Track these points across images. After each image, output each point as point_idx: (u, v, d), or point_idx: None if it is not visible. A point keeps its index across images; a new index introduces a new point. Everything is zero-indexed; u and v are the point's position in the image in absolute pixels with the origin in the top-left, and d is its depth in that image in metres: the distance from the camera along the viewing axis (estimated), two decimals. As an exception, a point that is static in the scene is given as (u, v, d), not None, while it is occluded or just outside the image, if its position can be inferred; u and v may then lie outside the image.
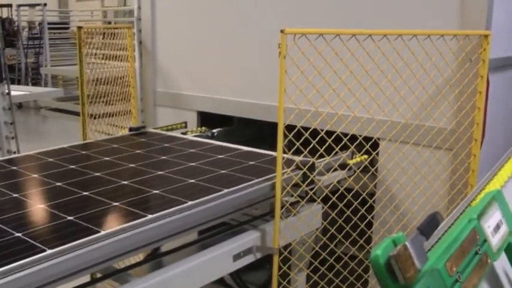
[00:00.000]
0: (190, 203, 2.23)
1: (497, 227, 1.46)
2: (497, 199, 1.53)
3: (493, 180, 1.84)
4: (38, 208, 2.20)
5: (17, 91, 5.02)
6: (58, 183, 2.51)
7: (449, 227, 1.39)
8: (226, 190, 2.38)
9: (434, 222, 1.23)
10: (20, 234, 1.92)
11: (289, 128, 2.46)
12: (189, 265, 2.18)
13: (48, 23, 12.94)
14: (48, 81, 12.45)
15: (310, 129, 2.48)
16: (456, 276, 1.18)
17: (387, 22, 3.03)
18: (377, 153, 3.04)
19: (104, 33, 4.34)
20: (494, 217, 1.47)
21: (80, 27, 3.88)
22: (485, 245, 1.36)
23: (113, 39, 4.19)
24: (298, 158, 2.64)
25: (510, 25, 3.34)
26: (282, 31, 2.23)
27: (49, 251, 1.78)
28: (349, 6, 3.19)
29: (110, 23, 10.13)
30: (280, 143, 2.33)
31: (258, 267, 3.17)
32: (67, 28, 14.12)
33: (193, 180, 2.53)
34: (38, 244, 1.84)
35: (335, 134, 2.53)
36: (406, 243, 1.06)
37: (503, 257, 1.52)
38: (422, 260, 1.09)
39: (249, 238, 2.42)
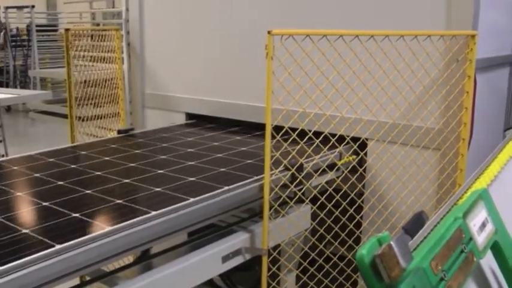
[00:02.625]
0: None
1: (483, 226, 1.47)
2: (483, 198, 1.54)
3: (479, 179, 1.86)
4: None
5: (5, 94, 5.00)
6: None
7: (435, 225, 1.39)
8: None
9: (419, 221, 1.24)
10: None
11: (277, 128, 2.47)
12: (177, 267, 2.18)
13: (37, 25, 12.89)
14: (36, 83, 12.40)
15: (298, 130, 2.48)
16: (441, 275, 1.19)
17: (374, 23, 3.04)
18: (365, 154, 3.05)
19: (92, 35, 4.33)
20: (480, 216, 1.48)
21: (67, 30, 3.87)
22: (471, 244, 1.37)
23: (102, 41, 4.19)
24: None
25: (497, 25, 3.36)
26: (269, 32, 2.24)
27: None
28: (336, 8, 3.19)
29: (98, 25, 10.10)
30: (268, 143, 2.33)
31: (247, 268, 3.18)
32: (55, 30, 14.06)
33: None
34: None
35: (323, 135, 2.54)
36: (391, 242, 1.07)
37: (490, 255, 1.53)
38: (407, 259, 1.10)
39: (237, 239, 2.42)
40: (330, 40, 2.38)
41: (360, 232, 2.91)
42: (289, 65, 2.35)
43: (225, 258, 2.37)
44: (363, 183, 2.92)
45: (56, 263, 1.79)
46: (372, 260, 1.06)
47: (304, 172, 2.61)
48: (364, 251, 1.06)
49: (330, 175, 2.82)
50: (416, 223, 1.23)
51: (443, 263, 1.22)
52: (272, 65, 2.26)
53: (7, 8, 13.16)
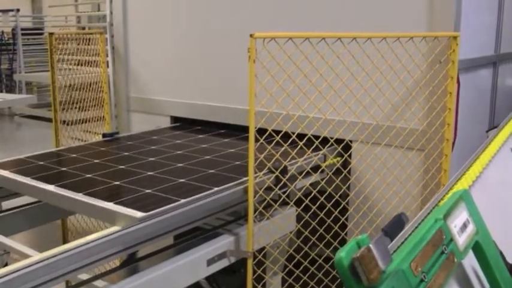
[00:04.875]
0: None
1: (464, 226, 1.47)
2: (464, 199, 1.55)
3: (461, 180, 1.87)
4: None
5: (-10, 98, 4.98)
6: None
7: (416, 227, 1.40)
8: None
9: (399, 223, 1.24)
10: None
11: (262, 131, 2.47)
12: (163, 270, 2.18)
13: (22, 29, 12.81)
14: (22, 87, 12.33)
15: (282, 133, 2.49)
16: (421, 276, 1.20)
17: (356, 25, 3.05)
18: (349, 155, 3.05)
19: (78, 39, 4.32)
20: (461, 217, 1.49)
21: (51, 34, 3.85)
22: (451, 245, 1.37)
23: (87, 44, 4.18)
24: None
25: (479, 26, 3.38)
26: (251, 35, 2.24)
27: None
28: (318, 10, 3.20)
29: (84, 28, 10.05)
30: (252, 146, 2.33)
31: (234, 271, 3.18)
32: (41, 34, 13.99)
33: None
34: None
35: (306, 137, 2.54)
36: (370, 245, 1.07)
37: (472, 255, 1.54)
38: (387, 261, 1.10)
39: (222, 242, 2.42)
40: (313, 43, 2.38)
41: (345, 234, 2.92)
42: (272, 67, 2.35)
43: (210, 261, 2.37)
44: (347, 184, 2.92)
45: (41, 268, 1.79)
46: (350, 263, 1.06)
47: (289, 175, 2.62)
48: (343, 253, 1.06)
49: (314, 177, 2.82)
50: (396, 225, 1.24)
51: (424, 265, 1.23)
52: (255, 68, 2.26)
53: (-9, 11, 13.08)
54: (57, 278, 1.88)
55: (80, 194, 2.40)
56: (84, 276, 2.24)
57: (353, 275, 1.06)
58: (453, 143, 2.87)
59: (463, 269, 1.55)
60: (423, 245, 1.26)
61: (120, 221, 2.17)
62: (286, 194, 2.57)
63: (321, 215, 2.62)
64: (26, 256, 2.34)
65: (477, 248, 1.53)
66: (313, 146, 2.65)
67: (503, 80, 4.04)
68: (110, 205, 2.26)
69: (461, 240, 1.43)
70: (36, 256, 1.87)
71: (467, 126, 3.18)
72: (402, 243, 1.28)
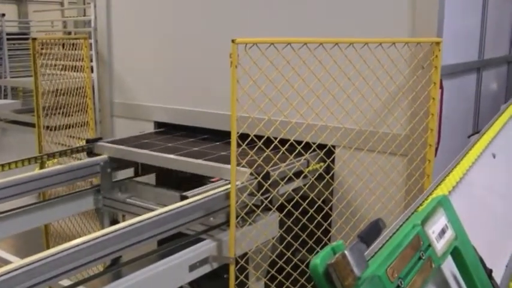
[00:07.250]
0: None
1: (443, 232, 1.47)
2: (443, 204, 1.55)
3: (441, 185, 1.87)
4: None
5: (-27, 103, 4.96)
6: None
7: (394, 233, 1.40)
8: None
9: (376, 229, 1.24)
10: None
11: (245, 136, 2.46)
12: (145, 276, 2.18)
13: (7, 34, 12.73)
14: (8, 93, 12.25)
15: (264, 138, 2.48)
16: (398, 282, 1.19)
17: (339, 31, 3.05)
18: (332, 161, 3.05)
19: (64, 44, 4.31)
20: (439, 222, 1.49)
21: (34, 39, 3.84)
22: (429, 250, 1.37)
23: (73, 49, 4.16)
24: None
25: (463, 32, 3.40)
26: (233, 41, 2.24)
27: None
28: (301, 16, 3.21)
29: (70, 33, 10.01)
30: (234, 152, 2.33)
31: (218, 276, 3.17)
32: (27, 39, 13.90)
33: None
34: None
35: (289, 142, 2.54)
36: (345, 251, 1.07)
37: (452, 260, 1.54)
38: (362, 268, 1.09)
39: (205, 248, 2.42)
40: (295, 48, 2.38)
41: (328, 239, 2.92)
42: (254, 73, 2.35)
43: (193, 267, 2.37)
44: (330, 190, 2.92)
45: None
46: (325, 269, 1.06)
47: (271, 180, 2.61)
48: (318, 260, 1.06)
49: (297, 182, 2.82)
50: (373, 231, 1.23)
51: (400, 270, 1.23)
52: (237, 73, 2.26)
53: (-23, 16, 12.97)
54: (39, 284, 1.87)
55: (200, 160, 2.99)
56: (65, 282, 2.23)
57: (328, 281, 1.06)
58: (436, 148, 2.87)
59: (442, 275, 1.55)
60: (400, 251, 1.26)
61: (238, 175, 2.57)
62: (268, 199, 2.56)
63: (304, 220, 2.62)
64: (7, 262, 2.33)
65: (456, 254, 1.53)
66: (296, 151, 2.65)
67: (487, 86, 4.07)
68: (228, 166, 2.76)
69: (440, 245, 1.43)
70: (17, 262, 1.85)
71: (451, 131, 3.19)
72: (379, 249, 1.28)
